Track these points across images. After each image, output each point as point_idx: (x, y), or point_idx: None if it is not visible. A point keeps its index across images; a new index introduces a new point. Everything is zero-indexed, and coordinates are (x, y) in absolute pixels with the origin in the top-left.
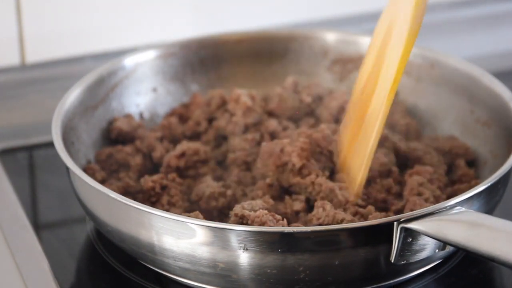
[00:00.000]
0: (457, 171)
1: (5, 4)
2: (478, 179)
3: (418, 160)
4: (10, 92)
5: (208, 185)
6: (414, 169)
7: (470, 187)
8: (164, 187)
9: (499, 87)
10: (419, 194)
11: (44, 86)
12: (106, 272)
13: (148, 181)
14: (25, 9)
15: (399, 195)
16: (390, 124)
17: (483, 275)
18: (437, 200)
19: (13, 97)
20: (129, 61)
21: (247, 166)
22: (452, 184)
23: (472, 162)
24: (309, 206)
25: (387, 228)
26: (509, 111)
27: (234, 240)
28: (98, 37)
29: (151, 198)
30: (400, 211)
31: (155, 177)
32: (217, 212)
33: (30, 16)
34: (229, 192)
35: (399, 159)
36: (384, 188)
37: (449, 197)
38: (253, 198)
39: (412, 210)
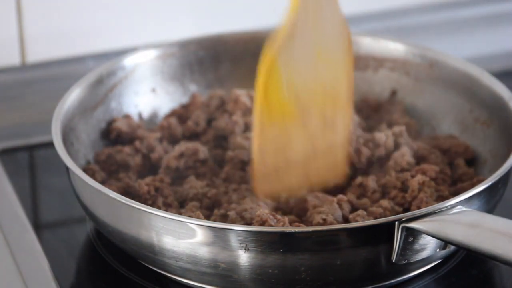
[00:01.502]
0: (457, 170)
1: (6, 4)
2: (480, 176)
3: (422, 159)
4: (10, 92)
5: (192, 186)
6: (420, 166)
7: (473, 185)
8: (157, 189)
9: (498, 87)
10: (424, 192)
11: (44, 86)
12: (106, 272)
13: (142, 185)
14: (26, 9)
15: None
16: (389, 124)
17: (483, 275)
18: (443, 199)
19: (13, 97)
20: (128, 61)
21: (243, 165)
22: (454, 183)
23: (471, 162)
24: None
25: (388, 228)
26: (509, 111)
27: (235, 240)
28: (98, 37)
29: (147, 202)
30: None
31: (147, 180)
32: (205, 212)
33: (30, 16)
34: (212, 192)
35: None
36: (399, 180)
37: (452, 195)
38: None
39: (418, 207)
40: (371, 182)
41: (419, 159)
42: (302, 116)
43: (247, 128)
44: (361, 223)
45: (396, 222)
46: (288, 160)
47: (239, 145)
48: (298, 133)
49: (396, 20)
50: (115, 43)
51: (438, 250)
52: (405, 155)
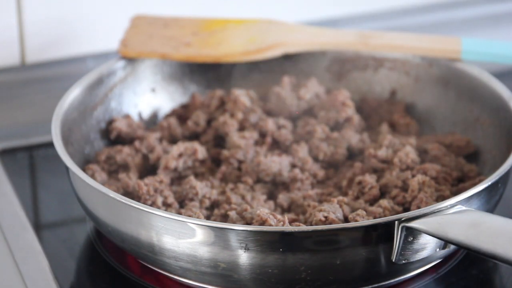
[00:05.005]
0: (462, 168)
1: (6, 4)
2: (482, 176)
3: (434, 159)
4: (10, 92)
5: (191, 186)
6: (422, 165)
7: (474, 184)
8: (156, 189)
9: (498, 86)
10: (424, 192)
11: (44, 86)
12: (106, 272)
13: (141, 185)
14: (26, 9)
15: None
16: (389, 123)
17: (483, 275)
18: (443, 198)
19: (13, 97)
20: (128, 61)
21: (239, 164)
22: (457, 183)
23: (471, 161)
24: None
25: (388, 227)
26: (509, 111)
27: (235, 240)
28: (98, 37)
29: (147, 202)
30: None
31: (146, 180)
32: (205, 212)
33: (31, 16)
34: (211, 192)
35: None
36: (400, 179)
37: (453, 195)
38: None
39: (418, 207)
40: (368, 178)
41: (432, 159)
42: None
43: (246, 128)
44: (361, 223)
45: (396, 222)
46: None
47: (235, 144)
48: None
49: (396, 20)
50: (115, 43)
51: (438, 249)
52: (409, 153)
